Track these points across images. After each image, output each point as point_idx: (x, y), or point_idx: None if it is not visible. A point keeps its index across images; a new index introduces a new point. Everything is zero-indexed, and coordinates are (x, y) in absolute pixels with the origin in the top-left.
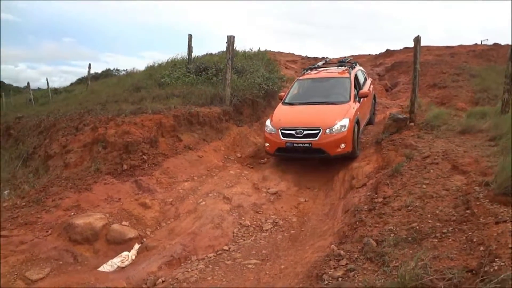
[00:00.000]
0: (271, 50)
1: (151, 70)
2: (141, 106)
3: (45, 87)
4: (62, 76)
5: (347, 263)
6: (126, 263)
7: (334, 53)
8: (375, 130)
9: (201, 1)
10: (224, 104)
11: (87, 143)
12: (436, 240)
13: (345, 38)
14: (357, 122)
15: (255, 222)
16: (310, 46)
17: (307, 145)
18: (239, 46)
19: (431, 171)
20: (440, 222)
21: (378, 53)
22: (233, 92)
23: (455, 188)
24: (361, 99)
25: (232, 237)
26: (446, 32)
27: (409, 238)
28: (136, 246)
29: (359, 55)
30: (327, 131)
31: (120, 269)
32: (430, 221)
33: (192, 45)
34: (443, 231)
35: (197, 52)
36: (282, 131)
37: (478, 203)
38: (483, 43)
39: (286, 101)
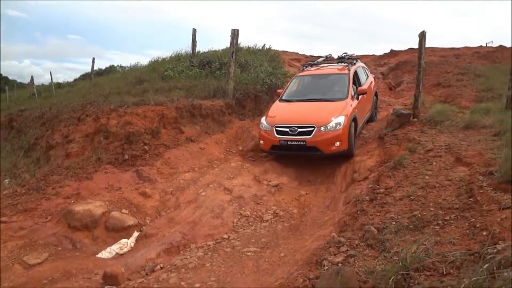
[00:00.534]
0: (275, 49)
1: (155, 64)
2: (144, 98)
3: (49, 83)
4: (66, 73)
5: (347, 250)
6: (125, 250)
7: (339, 53)
8: (378, 126)
9: (208, 2)
10: (227, 98)
11: (89, 133)
12: (438, 227)
13: (353, 40)
14: (354, 119)
15: (255, 213)
16: (318, 47)
17: (301, 142)
18: (243, 43)
19: (434, 163)
20: (443, 210)
21: (382, 54)
22: (236, 86)
23: (458, 179)
24: (360, 96)
25: (232, 227)
26: (454, 36)
27: (411, 226)
28: (135, 234)
29: (364, 55)
30: (322, 128)
31: (119, 255)
32: (432, 209)
33: (197, 43)
34: (446, 218)
35: (201, 49)
36: (277, 128)
37: (481, 191)
38: (488, 45)
39: (283, 97)
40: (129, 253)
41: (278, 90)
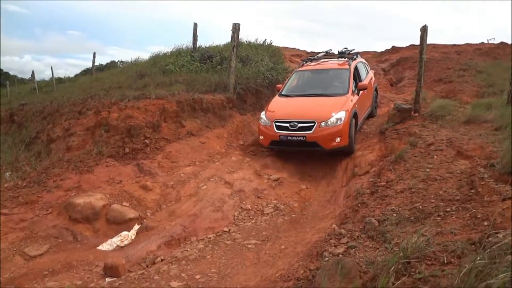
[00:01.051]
0: (276, 45)
1: (156, 59)
2: (145, 92)
3: (50, 78)
4: (67, 68)
5: (348, 241)
6: (126, 242)
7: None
8: (379, 121)
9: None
10: (228, 92)
11: (90, 127)
12: (439, 218)
13: (355, 37)
14: (355, 115)
15: (256, 206)
16: (319, 43)
17: (301, 138)
18: (244, 38)
19: (435, 157)
20: (444, 202)
21: (384, 50)
22: (237, 80)
23: (459, 171)
24: (360, 92)
25: (232, 220)
26: (455, 33)
27: (412, 217)
28: (136, 227)
29: (365, 51)
30: (322, 124)
31: (119, 248)
32: (433, 201)
33: (198, 37)
34: (447, 209)
35: (202, 44)
36: (276, 123)
37: (482, 183)
38: (489, 41)
39: (283, 92)
40: (130, 245)
41: (278, 85)
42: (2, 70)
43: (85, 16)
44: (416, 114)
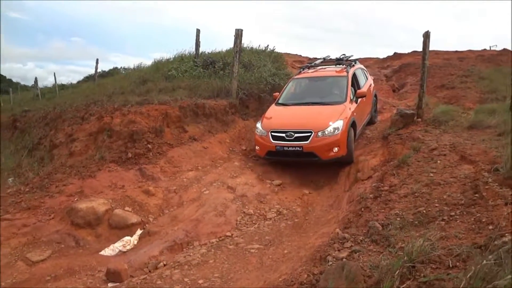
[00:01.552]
0: (278, 51)
1: (159, 65)
2: (147, 97)
3: (52, 85)
4: (69, 75)
5: (351, 245)
6: (128, 247)
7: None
8: (382, 126)
9: (211, 4)
10: (231, 97)
11: (93, 132)
12: (444, 223)
13: (355, 43)
14: (353, 124)
15: (258, 211)
16: (321, 50)
17: (298, 148)
18: (246, 44)
19: (439, 161)
20: (448, 206)
21: (386, 56)
22: (240, 85)
23: (463, 176)
24: (359, 99)
25: (235, 225)
26: (458, 41)
27: (416, 222)
28: (138, 231)
29: (366, 58)
30: (319, 133)
31: (122, 253)
32: (437, 205)
33: (200, 43)
34: (451, 214)
35: (204, 50)
36: (272, 133)
37: (487, 187)
38: (492, 48)
39: (280, 101)
40: (132, 250)
41: (274, 94)
42: (4, 76)
43: (87, 22)
44: (419, 120)
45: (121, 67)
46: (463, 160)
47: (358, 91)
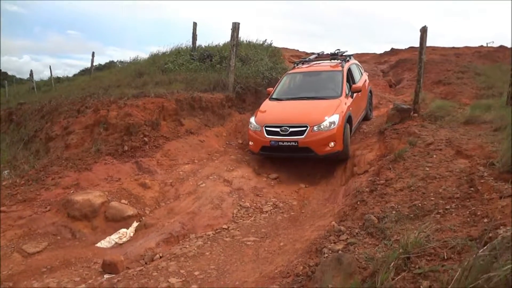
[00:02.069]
0: (276, 45)
1: (155, 58)
2: (144, 90)
3: (48, 78)
4: (66, 69)
5: (347, 238)
6: (124, 239)
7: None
8: (378, 121)
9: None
10: (227, 91)
11: (89, 125)
12: (439, 216)
13: (354, 39)
14: (349, 118)
15: (255, 204)
16: (319, 45)
17: (293, 143)
18: (244, 38)
19: (434, 156)
20: (443, 200)
21: (383, 52)
22: (237, 79)
23: (458, 170)
24: (354, 94)
25: (231, 217)
26: (456, 37)
27: (411, 215)
28: (135, 224)
29: (364, 53)
30: (315, 128)
31: (118, 245)
32: (432, 199)
33: (197, 36)
34: (446, 207)
35: (201, 43)
36: (267, 128)
37: (482, 181)
38: (488, 45)
39: (274, 96)
40: (129, 242)
41: (268, 89)
42: (0, 70)
43: (84, 16)
44: (415, 115)
45: (117, 61)
46: (459, 154)
47: (354, 85)
